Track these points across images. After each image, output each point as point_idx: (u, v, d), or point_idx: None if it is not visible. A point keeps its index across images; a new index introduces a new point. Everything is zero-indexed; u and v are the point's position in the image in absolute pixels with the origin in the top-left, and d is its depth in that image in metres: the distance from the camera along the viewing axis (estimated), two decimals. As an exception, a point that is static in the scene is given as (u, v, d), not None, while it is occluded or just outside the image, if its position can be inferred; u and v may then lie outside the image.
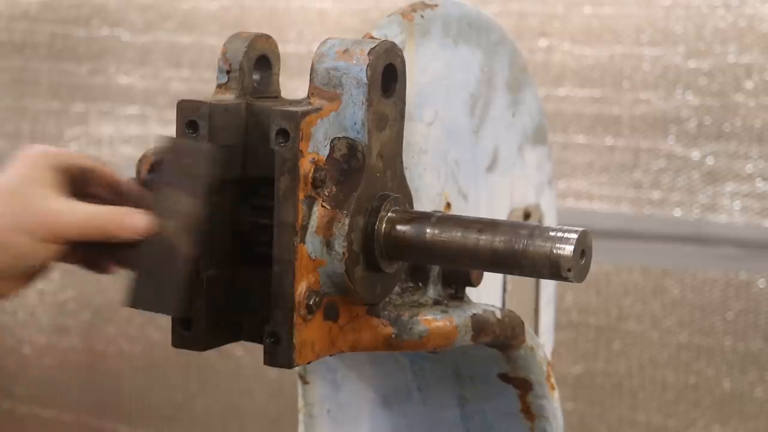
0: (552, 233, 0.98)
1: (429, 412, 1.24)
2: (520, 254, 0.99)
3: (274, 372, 2.63)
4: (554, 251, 0.97)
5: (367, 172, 1.00)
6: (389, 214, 1.02)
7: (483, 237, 1.00)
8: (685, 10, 2.34)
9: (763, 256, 2.34)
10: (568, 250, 0.97)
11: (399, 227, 1.01)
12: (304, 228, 0.98)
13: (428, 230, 1.02)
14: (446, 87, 1.16)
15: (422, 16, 1.12)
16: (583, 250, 0.98)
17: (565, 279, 0.98)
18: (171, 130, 1.02)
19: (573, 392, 2.45)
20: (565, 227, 0.99)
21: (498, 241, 1.00)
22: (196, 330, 1.01)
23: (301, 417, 1.28)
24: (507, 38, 1.25)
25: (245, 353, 2.78)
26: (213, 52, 2.71)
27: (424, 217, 1.02)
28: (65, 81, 2.94)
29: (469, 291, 1.12)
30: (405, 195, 1.05)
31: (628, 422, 2.43)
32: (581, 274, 0.99)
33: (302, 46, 2.63)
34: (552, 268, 0.98)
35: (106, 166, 1.08)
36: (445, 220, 1.02)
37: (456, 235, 1.01)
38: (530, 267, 0.99)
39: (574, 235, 0.97)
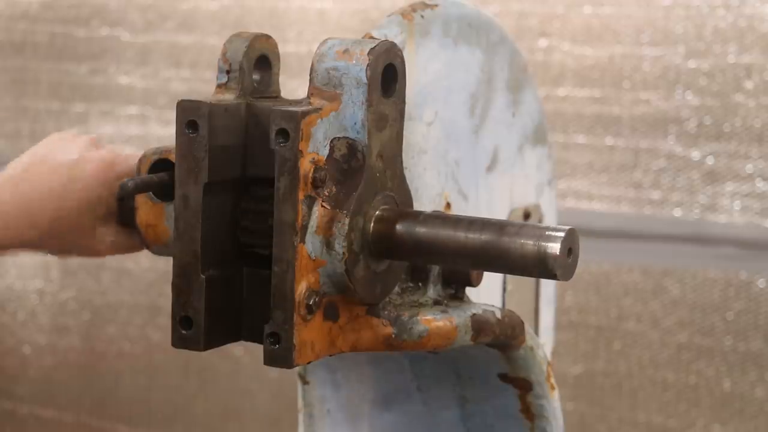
0: (539, 231, 0.99)
1: (429, 412, 1.24)
2: (508, 252, 0.99)
3: (274, 372, 2.63)
4: (541, 249, 0.98)
5: (367, 172, 1.00)
6: (377, 213, 1.02)
7: (471, 235, 1.01)
8: (685, 10, 2.34)
9: (763, 256, 2.34)
10: (555, 248, 0.98)
11: (388, 225, 1.01)
12: (304, 228, 0.98)
13: (416, 228, 1.02)
14: (446, 87, 1.16)
15: (422, 16, 1.12)
16: (570, 248, 0.99)
17: (553, 277, 0.99)
18: (171, 130, 1.02)
19: (573, 392, 2.45)
20: (553, 226, 1.00)
21: (485, 238, 1.00)
22: (196, 330, 1.01)
23: (301, 417, 1.28)
24: (507, 38, 1.25)
25: (245, 353, 2.78)
26: (213, 52, 2.71)
27: (411, 215, 1.03)
28: (65, 81, 2.94)
29: (469, 291, 1.12)
30: (405, 195, 1.05)
31: (628, 422, 2.43)
32: (568, 272, 0.99)
33: (302, 46, 2.63)
34: (539, 266, 0.98)
35: None
36: (432, 218, 1.02)
37: (444, 232, 1.01)
38: (518, 264, 0.99)
39: (561, 233, 0.98)
